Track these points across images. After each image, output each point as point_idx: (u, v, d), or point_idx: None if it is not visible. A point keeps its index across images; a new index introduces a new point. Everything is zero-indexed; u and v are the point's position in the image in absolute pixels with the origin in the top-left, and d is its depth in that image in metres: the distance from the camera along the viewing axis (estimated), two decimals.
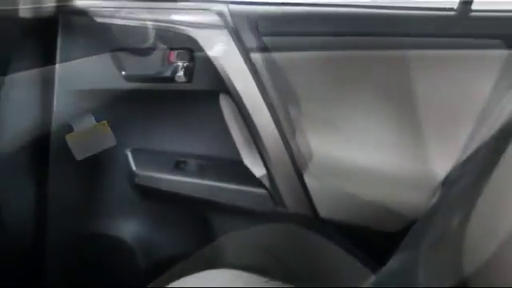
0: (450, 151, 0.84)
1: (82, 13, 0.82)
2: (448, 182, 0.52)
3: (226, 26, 0.81)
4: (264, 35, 0.82)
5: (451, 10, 0.82)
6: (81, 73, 0.83)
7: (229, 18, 0.82)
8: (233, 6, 0.83)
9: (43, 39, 0.80)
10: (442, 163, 0.85)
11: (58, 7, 0.80)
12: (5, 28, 0.68)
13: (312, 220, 0.85)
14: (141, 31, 0.82)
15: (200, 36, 0.81)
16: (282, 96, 0.85)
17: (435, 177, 0.85)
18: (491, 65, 0.81)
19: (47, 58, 0.82)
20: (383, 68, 0.84)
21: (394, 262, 0.63)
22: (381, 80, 0.84)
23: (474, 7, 0.81)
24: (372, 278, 0.90)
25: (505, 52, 0.79)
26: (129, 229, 0.93)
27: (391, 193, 0.85)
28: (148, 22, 0.81)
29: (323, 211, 0.87)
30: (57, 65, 0.82)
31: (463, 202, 0.49)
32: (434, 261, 0.48)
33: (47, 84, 0.83)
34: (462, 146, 0.83)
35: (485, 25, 0.81)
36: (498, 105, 0.80)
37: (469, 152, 0.67)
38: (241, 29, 0.82)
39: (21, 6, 0.70)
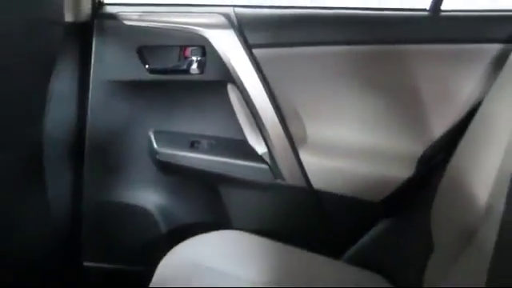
0: (424, 131, 0.99)
1: (113, 17, 0.98)
2: None
3: (232, 26, 0.96)
4: (264, 33, 0.98)
5: (424, 10, 0.97)
6: (112, 67, 1.00)
7: (234, 20, 0.97)
8: (238, 9, 0.99)
9: (82, 39, 0.97)
10: (417, 142, 0.99)
11: (93, 13, 0.97)
12: (52, 30, 0.84)
13: None
14: (161, 32, 0.98)
15: (210, 35, 0.96)
16: (280, 85, 1.00)
17: (412, 153, 0.99)
18: (460, 57, 0.95)
19: (85, 55, 0.98)
20: (368, 62, 0.99)
21: None
22: (366, 72, 0.99)
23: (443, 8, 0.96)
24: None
25: (470, 46, 0.93)
26: (151, 198, 1.09)
27: (375, 166, 1.00)
28: (167, 24, 0.97)
29: (316, 183, 1.02)
30: (93, 60, 0.98)
31: None
32: None
33: (85, 76, 0.99)
34: (433, 126, 0.97)
35: (452, 23, 0.95)
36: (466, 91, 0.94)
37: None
38: (244, 28, 0.97)
39: (65, 12, 0.87)
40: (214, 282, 0.84)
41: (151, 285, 0.84)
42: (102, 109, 1.03)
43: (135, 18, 0.98)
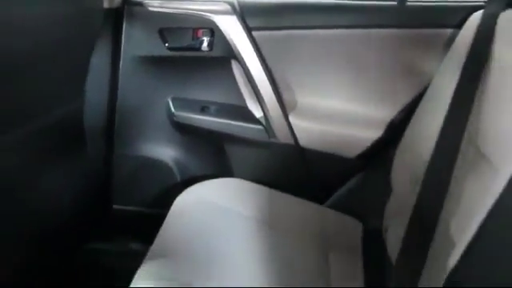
0: (391, 100, 1.21)
1: (139, 4, 1.21)
2: None
3: (235, 12, 1.19)
4: (261, 18, 1.20)
5: (393, 1, 1.18)
6: (138, 45, 1.23)
7: (237, 7, 1.19)
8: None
9: (115, 22, 1.20)
10: (385, 108, 1.21)
11: (123, 1, 1.20)
12: (94, 15, 1.07)
13: None
14: (178, 16, 1.20)
15: (218, 19, 1.19)
16: (274, 61, 1.22)
17: (381, 118, 1.21)
18: (420, 40, 1.16)
19: (117, 35, 1.22)
20: (348, 43, 1.20)
21: None
22: (346, 51, 1.21)
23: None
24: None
25: (428, 30, 1.15)
26: (168, 153, 1.33)
27: (350, 128, 1.22)
28: (183, 10, 1.20)
29: (302, 142, 1.24)
30: (123, 39, 1.22)
31: None
32: None
33: (117, 52, 1.23)
34: (398, 96, 1.19)
35: (415, 12, 1.17)
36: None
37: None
38: (245, 14, 1.19)
39: (104, 1, 1.10)
40: (220, 215, 1.08)
41: (168, 216, 1.07)
42: (130, 79, 1.26)
43: (157, 5, 1.21)
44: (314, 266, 1.01)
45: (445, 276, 0.69)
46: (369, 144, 1.22)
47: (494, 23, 0.91)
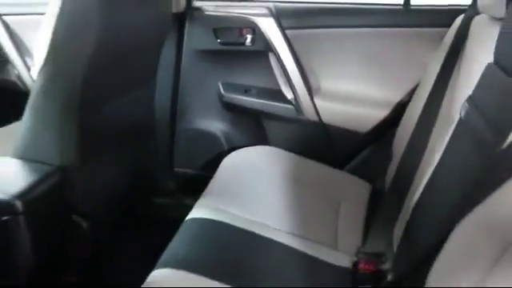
0: (396, 84, 1.48)
1: (198, 9, 1.56)
2: None
3: (272, 15, 1.51)
4: (292, 20, 1.52)
5: (399, 5, 1.46)
6: (197, 41, 1.58)
7: (274, 11, 1.52)
8: (276, 4, 1.53)
9: (179, 23, 1.56)
10: (391, 92, 1.49)
11: (187, 6, 1.55)
12: (165, 18, 1.41)
13: None
14: (228, 18, 1.54)
15: (258, 21, 1.51)
16: (303, 53, 1.53)
17: (387, 99, 1.49)
18: (421, 36, 1.43)
19: (181, 33, 1.57)
20: (362, 39, 1.50)
21: None
22: (361, 45, 1.50)
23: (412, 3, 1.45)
24: None
25: (427, 29, 1.42)
26: (218, 126, 1.67)
27: (363, 108, 1.51)
28: (231, 14, 1.54)
29: (324, 118, 1.55)
30: (185, 37, 1.57)
31: None
32: None
33: (180, 47, 1.58)
34: (402, 82, 1.46)
35: (416, 14, 1.44)
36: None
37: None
38: (280, 16, 1.51)
39: (173, 6, 1.44)
40: (257, 173, 1.39)
41: (217, 171, 1.40)
42: (190, 68, 1.62)
43: (212, 9, 1.56)
44: (326, 215, 1.29)
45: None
46: (377, 121, 1.51)
47: (469, 25, 1.18)
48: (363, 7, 1.50)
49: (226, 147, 1.67)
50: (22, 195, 1.01)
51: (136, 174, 1.52)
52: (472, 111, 0.82)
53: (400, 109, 1.45)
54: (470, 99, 0.86)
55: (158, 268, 0.93)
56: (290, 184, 1.36)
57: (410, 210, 1.00)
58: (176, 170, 1.75)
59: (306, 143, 1.59)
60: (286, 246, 1.08)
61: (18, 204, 0.99)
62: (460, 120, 0.88)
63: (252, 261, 1.01)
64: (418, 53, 1.44)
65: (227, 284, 0.91)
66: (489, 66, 0.83)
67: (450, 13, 1.34)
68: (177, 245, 1.01)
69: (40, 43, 1.13)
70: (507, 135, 0.67)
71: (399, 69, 1.47)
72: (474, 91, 0.86)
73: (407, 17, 1.45)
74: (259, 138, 1.65)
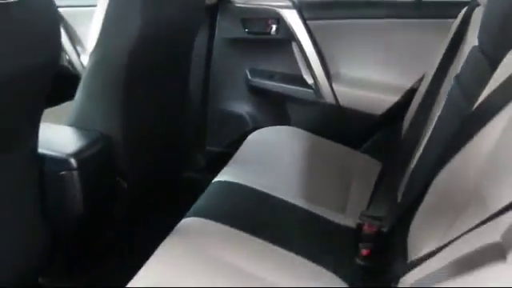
0: (409, 70, 1.61)
1: (228, 1, 1.73)
2: None
3: (295, 7, 1.67)
4: (313, 11, 1.67)
5: None
6: (227, 30, 1.75)
7: (296, 3, 1.67)
8: None
9: (211, 14, 1.73)
10: (403, 77, 1.62)
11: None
12: (200, 10, 1.59)
13: None
14: (255, 9, 1.71)
15: (282, 12, 1.67)
16: (323, 42, 1.68)
17: (399, 85, 1.62)
18: (431, 26, 1.56)
19: (212, 23, 1.75)
20: (378, 29, 1.63)
21: None
22: (376, 34, 1.64)
23: None
24: None
25: (437, 20, 1.54)
26: (245, 108, 1.84)
27: (378, 92, 1.65)
28: (258, 5, 1.70)
29: (342, 101, 1.70)
30: (217, 27, 1.75)
31: None
32: None
33: (212, 36, 1.76)
34: (414, 68, 1.59)
35: (427, 6, 1.57)
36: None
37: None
38: (302, 8, 1.67)
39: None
40: (278, 149, 1.55)
41: (242, 146, 1.56)
42: (220, 55, 1.80)
43: (240, 2, 1.73)
44: (338, 187, 1.42)
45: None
46: (390, 105, 1.64)
47: (470, 16, 1.30)
48: (378, 0, 1.64)
49: (251, 127, 1.84)
50: (76, 154, 1.21)
51: (170, 148, 1.70)
52: (455, 87, 0.96)
53: (410, 94, 1.58)
54: (457, 77, 0.99)
55: (187, 217, 1.11)
56: (307, 160, 1.51)
57: (408, 178, 1.14)
58: (208, 148, 1.93)
59: (324, 124, 1.74)
60: (300, 207, 1.24)
61: (73, 161, 1.19)
62: (447, 96, 1.02)
63: (270, 217, 1.17)
64: (428, 42, 1.56)
65: (248, 233, 1.08)
66: (473, 49, 0.97)
67: (457, 5, 1.46)
68: (204, 200, 1.19)
69: (92, 32, 1.33)
70: (475, 100, 0.81)
71: (410, 57, 1.60)
72: (460, 71, 1.00)
73: (418, 9, 1.58)
74: (281, 118, 1.80)
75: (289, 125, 1.76)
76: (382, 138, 1.69)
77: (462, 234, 0.68)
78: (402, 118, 1.55)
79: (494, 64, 0.80)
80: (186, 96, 1.73)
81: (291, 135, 1.65)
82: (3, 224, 1.05)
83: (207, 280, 0.94)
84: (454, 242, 0.70)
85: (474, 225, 0.64)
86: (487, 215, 0.61)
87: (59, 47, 1.01)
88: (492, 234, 0.58)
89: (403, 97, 1.62)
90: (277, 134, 1.64)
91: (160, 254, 1.00)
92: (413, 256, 0.88)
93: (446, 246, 0.69)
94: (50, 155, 1.19)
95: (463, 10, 1.37)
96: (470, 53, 0.97)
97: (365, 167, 1.58)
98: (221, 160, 1.84)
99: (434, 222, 0.84)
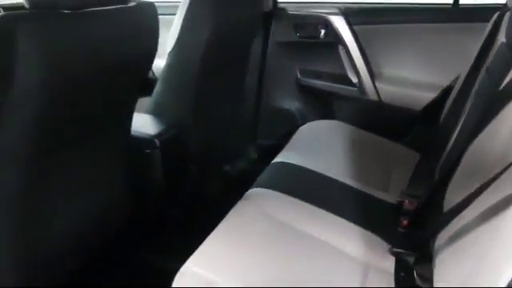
0: (443, 70, 1.78)
1: (282, 8, 1.95)
2: None
3: (341, 13, 1.87)
4: (358, 17, 1.87)
5: (449, 4, 1.76)
6: (280, 34, 1.97)
7: (343, 10, 1.87)
8: (345, 4, 1.89)
9: (267, 20, 1.96)
10: (440, 77, 1.78)
11: (273, 6, 1.95)
12: (257, 16, 1.81)
13: None
14: (306, 16, 1.92)
15: (330, 18, 1.88)
16: (367, 45, 1.87)
17: (435, 82, 1.79)
18: (467, 30, 1.72)
19: (267, 28, 1.97)
20: (416, 33, 1.81)
21: None
22: (415, 37, 1.82)
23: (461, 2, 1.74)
24: None
25: (473, 24, 1.71)
26: (294, 104, 2.05)
27: (417, 90, 1.82)
28: (309, 13, 1.91)
29: (384, 98, 1.88)
30: (271, 31, 1.96)
31: None
32: None
33: (266, 39, 1.98)
34: (449, 68, 1.75)
35: (463, 11, 1.74)
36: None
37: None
38: (348, 14, 1.86)
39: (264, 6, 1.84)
40: (324, 140, 1.74)
41: (292, 139, 1.76)
42: (274, 56, 2.01)
43: (293, 10, 1.95)
44: (381, 174, 1.58)
45: None
46: (428, 101, 1.81)
47: (502, 19, 1.47)
48: (418, 6, 1.82)
49: (300, 122, 2.04)
50: (158, 136, 1.44)
51: (229, 138, 1.92)
52: (485, 77, 1.13)
53: (446, 92, 1.73)
54: (487, 69, 1.17)
55: (254, 187, 1.31)
56: (352, 149, 1.69)
57: (443, 160, 1.32)
58: (258, 142, 2.14)
59: (367, 119, 1.91)
60: (349, 185, 1.42)
61: (157, 141, 1.42)
62: (478, 85, 1.19)
63: (324, 190, 1.36)
64: (463, 44, 1.72)
65: (307, 202, 1.26)
66: (501, 44, 1.14)
67: (490, 10, 1.62)
68: (266, 176, 1.39)
69: (171, 36, 1.57)
70: (501, 84, 0.98)
71: (447, 58, 1.77)
72: (490, 64, 1.17)
73: (454, 14, 1.76)
74: (327, 114, 2.00)
75: (334, 119, 1.95)
76: (420, 131, 1.85)
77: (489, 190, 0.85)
78: (438, 113, 1.72)
79: None
80: (243, 93, 1.95)
81: (337, 128, 1.83)
82: (95, 192, 1.27)
83: (273, 239, 1.14)
84: (482, 196, 0.87)
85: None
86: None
87: (156, 43, 1.24)
88: None
89: (440, 94, 1.78)
90: (325, 127, 1.83)
91: (229, 218, 1.19)
92: None
93: (474, 197, 0.87)
94: (138, 136, 1.42)
95: (495, 15, 1.53)
96: (498, 48, 1.14)
97: (404, 157, 1.74)
98: (272, 152, 2.04)
99: (465, 187, 1.02)
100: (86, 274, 1.32)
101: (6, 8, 1.59)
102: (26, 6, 0.88)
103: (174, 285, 0.95)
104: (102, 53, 1.00)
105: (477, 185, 0.96)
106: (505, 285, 0.61)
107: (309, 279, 1.02)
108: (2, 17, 0.77)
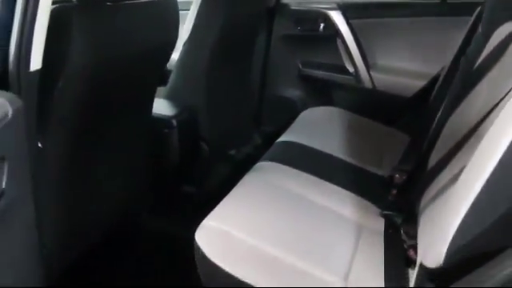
0: (434, 61, 1.95)
1: (285, 4, 2.12)
2: None
3: (339, 8, 2.04)
4: (354, 12, 2.04)
5: (438, 0, 1.93)
6: (283, 27, 2.14)
7: (341, 6, 2.05)
8: (343, 0, 2.06)
9: (270, 15, 2.13)
10: (429, 67, 1.95)
11: (276, 2, 2.12)
12: (261, 11, 1.98)
13: None
14: (306, 11, 2.09)
15: (329, 13, 2.05)
16: (362, 36, 2.04)
17: (425, 72, 1.95)
18: (453, 23, 1.89)
19: (271, 22, 2.14)
20: (406, 27, 1.99)
21: None
22: (406, 30, 1.99)
23: None
24: None
25: (457, 18, 1.88)
26: (295, 93, 2.22)
27: (407, 79, 1.99)
28: (310, 8, 2.08)
29: (378, 86, 2.05)
30: (274, 25, 2.14)
31: None
32: None
33: (269, 32, 2.15)
34: (437, 60, 1.92)
35: (450, 6, 1.91)
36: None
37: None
38: (345, 9, 2.04)
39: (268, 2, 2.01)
40: (323, 124, 1.92)
41: (294, 122, 1.93)
42: (276, 48, 2.18)
43: (295, 5, 2.11)
44: (374, 153, 1.76)
45: None
46: (418, 89, 1.97)
47: (483, 13, 1.64)
48: (409, 2, 2.00)
49: (301, 109, 2.20)
50: (175, 116, 1.61)
51: (237, 123, 2.09)
52: (463, 61, 1.31)
53: (434, 80, 1.91)
54: (466, 55, 1.34)
55: (261, 161, 1.48)
56: (348, 132, 1.87)
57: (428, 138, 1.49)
58: (262, 128, 2.31)
59: (363, 105, 2.09)
60: (346, 161, 1.60)
61: (174, 122, 1.59)
62: (460, 68, 1.37)
63: (323, 164, 1.53)
64: (449, 36, 1.87)
65: (309, 173, 1.43)
66: (478, 33, 1.31)
67: (473, 5, 1.78)
68: (272, 152, 1.56)
69: (185, 29, 1.75)
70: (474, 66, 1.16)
71: (435, 49, 1.94)
72: (468, 50, 1.35)
73: (441, 9, 1.93)
74: (327, 101, 2.17)
75: (332, 106, 2.12)
76: (410, 116, 2.03)
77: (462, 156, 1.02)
78: (427, 99, 1.89)
79: (487, 39, 1.15)
80: (248, 82, 2.13)
81: (335, 113, 2.01)
82: (120, 166, 1.45)
83: (279, 202, 1.31)
84: (457, 161, 1.04)
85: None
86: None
87: (177, 34, 1.41)
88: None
89: (429, 82, 1.95)
90: (324, 113, 2.01)
91: (241, 185, 1.36)
92: None
93: (448, 159, 1.04)
94: (157, 117, 1.60)
95: (478, 9, 1.70)
96: (475, 36, 1.32)
97: (396, 139, 1.92)
98: (275, 138, 2.22)
99: (443, 154, 1.19)
100: (110, 242, 1.50)
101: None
102: None
103: (196, 237, 1.11)
104: (134, 40, 1.17)
105: (453, 151, 1.14)
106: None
107: (311, 236, 1.19)
108: (59, 8, 0.94)
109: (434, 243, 0.84)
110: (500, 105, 0.89)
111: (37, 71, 0.83)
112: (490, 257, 0.76)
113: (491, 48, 1.10)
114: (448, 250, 0.79)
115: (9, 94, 0.69)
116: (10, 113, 0.66)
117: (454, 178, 0.98)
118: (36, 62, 0.82)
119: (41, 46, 0.83)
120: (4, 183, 0.64)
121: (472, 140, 1.05)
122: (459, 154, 1.08)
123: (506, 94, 0.84)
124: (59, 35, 0.94)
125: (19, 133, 0.70)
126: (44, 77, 0.87)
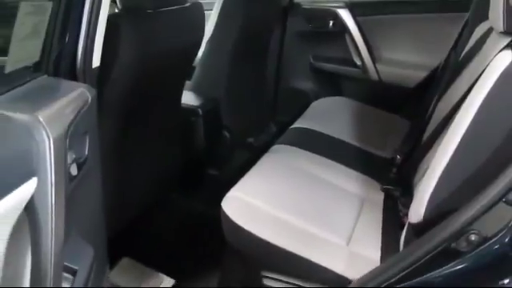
0: (435, 52, 2.12)
1: (298, 4, 2.32)
2: None
3: (347, 6, 2.23)
4: (361, 9, 2.23)
5: None
6: (295, 24, 2.34)
7: (349, 4, 2.23)
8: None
9: (284, 13, 2.33)
10: (431, 58, 2.13)
11: (289, 2, 2.32)
12: (278, 10, 2.18)
13: None
14: (318, 10, 2.29)
15: (338, 11, 2.24)
16: (368, 32, 2.23)
17: (427, 63, 2.13)
18: (449, 19, 2.06)
19: (284, 20, 2.33)
20: (408, 22, 2.17)
21: None
22: (407, 26, 2.17)
23: None
24: None
25: (459, 14, 2.05)
26: (307, 85, 2.42)
27: (411, 71, 2.18)
28: (320, 6, 2.27)
29: (383, 78, 2.24)
30: (287, 22, 2.33)
31: None
32: None
33: (283, 30, 2.35)
34: (437, 52, 2.10)
35: (452, 4, 2.08)
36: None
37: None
38: (353, 7, 2.22)
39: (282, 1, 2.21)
40: (333, 112, 2.11)
41: (306, 111, 2.13)
42: (290, 44, 2.39)
43: (306, 4, 2.31)
44: (379, 136, 1.95)
45: None
46: (420, 79, 2.16)
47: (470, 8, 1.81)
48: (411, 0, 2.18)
49: (313, 100, 2.40)
50: (201, 106, 1.82)
51: (252, 115, 2.30)
52: (453, 54, 1.49)
53: (435, 71, 2.09)
54: (457, 46, 1.53)
55: (277, 144, 1.69)
56: (356, 119, 2.06)
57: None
58: (277, 117, 2.52)
59: (369, 95, 2.28)
60: (352, 144, 1.80)
61: (200, 111, 1.81)
62: (452, 61, 1.56)
63: (333, 147, 1.73)
64: (449, 31, 2.05)
65: (320, 155, 1.63)
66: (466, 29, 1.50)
67: (470, 3, 1.96)
68: (286, 136, 1.77)
69: (208, 29, 1.95)
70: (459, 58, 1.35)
71: (435, 43, 2.11)
72: (459, 42, 1.53)
73: (443, 5, 2.11)
74: (336, 91, 2.37)
75: (341, 96, 2.32)
76: (412, 105, 2.21)
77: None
78: (428, 89, 2.07)
79: (471, 34, 1.34)
80: (264, 76, 2.33)
81: (344, 103, 2.21)
82: (155, 151, 1.65)
83: (293, 178, 1.51)
84: (442, 135, 1.23)
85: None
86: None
87: (203, 35, 1.62)
88: None
89: (429, 74, 2.13)
90: (333, 102, 2.20)
91: (259, 164, 1.55)
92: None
93: (437, 134, 1.23)
94: (185, 107, 1.81)
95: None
96: (464, 31, 1.50)
97: (399, 125, 2.10)
98: (289, 126, 2.41)
99: (432, 133, 1.38)
100: (146, 216, 1.72)
101: None
102: (119, 6, 1.26)
103: (222, 205, 1.31)
104: (169, 41, 1.38)
105: (440, 128, 1.33)
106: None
107: (319, 206, 1.39)
108: (110, 16, 1.15)
109: (417, 202, 1.04)
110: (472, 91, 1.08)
111: (97, 68, 1.04)
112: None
113: (473, 42, 1.29)
114: (427, 206, 0.99)
115: (86, 85, 0.90)
116: (90, 99, 0.87)
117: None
118: (96, 60, 1.03)
119: (99, 48, 1.04)
120: (87, 151, 0.85)
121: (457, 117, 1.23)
122: (443, 132, 1.26)
123: (476, 80, 1.02)
124: (110, 38, 1.15)
125: (94, 114, 0.91)
126: (99, 71, 1.09)
